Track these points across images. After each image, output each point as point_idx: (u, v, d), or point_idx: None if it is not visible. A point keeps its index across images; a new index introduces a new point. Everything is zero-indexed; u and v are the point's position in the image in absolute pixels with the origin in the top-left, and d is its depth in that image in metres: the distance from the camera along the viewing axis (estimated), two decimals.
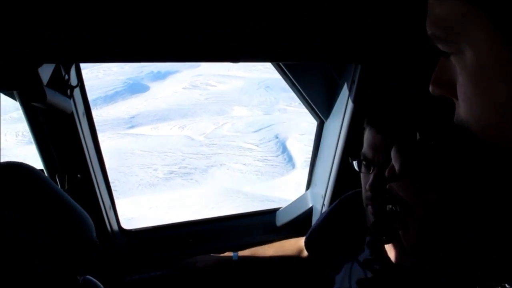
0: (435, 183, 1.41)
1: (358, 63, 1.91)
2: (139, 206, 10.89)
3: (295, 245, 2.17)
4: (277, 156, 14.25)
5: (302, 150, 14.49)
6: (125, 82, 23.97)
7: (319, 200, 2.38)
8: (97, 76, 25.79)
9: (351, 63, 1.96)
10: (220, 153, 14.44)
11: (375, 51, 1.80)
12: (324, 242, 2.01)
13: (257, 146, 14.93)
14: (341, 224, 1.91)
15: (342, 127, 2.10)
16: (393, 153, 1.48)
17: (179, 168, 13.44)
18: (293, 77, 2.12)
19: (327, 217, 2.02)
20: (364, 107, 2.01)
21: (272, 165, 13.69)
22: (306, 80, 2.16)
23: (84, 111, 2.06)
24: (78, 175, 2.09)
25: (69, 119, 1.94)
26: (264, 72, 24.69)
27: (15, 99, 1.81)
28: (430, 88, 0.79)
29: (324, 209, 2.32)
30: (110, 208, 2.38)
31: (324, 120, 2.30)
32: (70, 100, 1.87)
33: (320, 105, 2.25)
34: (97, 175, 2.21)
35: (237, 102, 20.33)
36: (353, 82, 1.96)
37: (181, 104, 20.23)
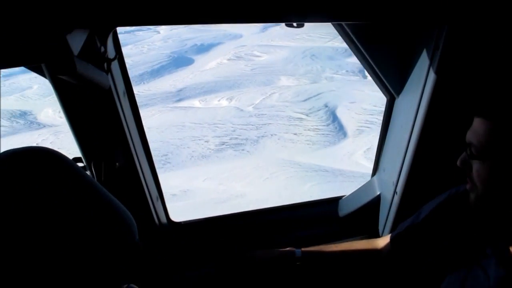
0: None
1: (444, 24, 1.56)
2: (193, 178, 11.03)
3: (368, 246, 1.91)
4: (327, 125, 14.04)
5: (353, 119, 14.21)
6: (170, 56, 24.14)
7: (389, 188, 2.09)
8: (142, 51, 26.03)
9: (435, 25, 1.61)
10: (270, 124, 14.37)
11: (466, 9, 1.49)
12: (423, 243, 1.71)
13: (307, 115, 14.75)
14: (449, 223, 1.61)
15: (420, 102, 1.76)
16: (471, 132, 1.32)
17: (230, 139, 13.48)
18: (359, 43, 1.79)
19: (430, 213, 1.69)
20: (449, 79, 1.67)
21: (323, 134, 13.51)
22: (375, 47, 1.81)
23: (124, 90, 1.80)
24: (117, 164, 1.86)
25: (108, 99, 1.70)
26: (308, 41, 24.27)
27: (45, 76, 1.61)
28: None
29: (395, 198, 2.03)
30: (157, 199, 2.16)
31: (396, 96, 1.98)
32: (108, 75, 1.63)
33: (391, 77, 1.91)
34: (141, 163, 1.97)
35: (283, 72, 20.11)
36: (436, 48, 1.62)
37: (227, 75, 20.22)
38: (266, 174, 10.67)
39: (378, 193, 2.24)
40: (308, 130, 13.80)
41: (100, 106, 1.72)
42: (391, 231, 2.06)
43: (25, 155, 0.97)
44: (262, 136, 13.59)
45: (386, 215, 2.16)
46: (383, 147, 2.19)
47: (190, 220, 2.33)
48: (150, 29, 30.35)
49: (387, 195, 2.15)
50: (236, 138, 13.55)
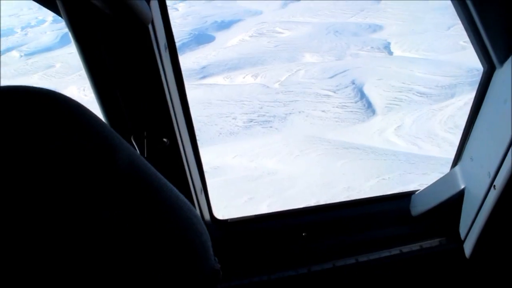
0: None
1: None
2: (222, 154, 11.01)
3: None
4: (355, 102, 13.85)
5: (381, 96, 13.97)
6: (191, 33, 23.97)
7: (481, 181, 1.73)
8: None
9: None
10: (297, 100, 14.24)
11: None
12: None
13: (334, 92, 14.57)
14: None
15: None
16: None
17: (258, 116, 13.40)
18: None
19: None
20: None
21: (351, 111, 13.34)
22: (485, 6, 1.46)
23: (166, 44, 1.43)
24: (165, 139, 1.47)
25: (146, 53, 1.30)
26: (330, 17, 23.82)
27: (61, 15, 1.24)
28: None
29: (493, 194, 1.67)
30: (201, 191, 1.82)
31: (498, 65, 1.63)
32: (148, 6, 1.23)
33: (496, 41, 1.56)
34: (184, 143, 1.58)
35: (307, 49, 19.82)
36: None
37: (250, 52, 20.02)
38: (296, 151, 10.58)
39: (462, 187, 1.88)
40: (336, 107, 13.63)
41: (135, 61, 1.31)
42: (481, 234, 1.78)
43: (7, 97, 0.54)
44: (290, 113, 13.47)
45: (475, 213, 1.82)
46: (471, 130, 1.80)
47: (236, 218, 2.02)
48: (169, 6, 30.11)
49: (476, 189, 1.79)
50: (264, 115, 13.46)
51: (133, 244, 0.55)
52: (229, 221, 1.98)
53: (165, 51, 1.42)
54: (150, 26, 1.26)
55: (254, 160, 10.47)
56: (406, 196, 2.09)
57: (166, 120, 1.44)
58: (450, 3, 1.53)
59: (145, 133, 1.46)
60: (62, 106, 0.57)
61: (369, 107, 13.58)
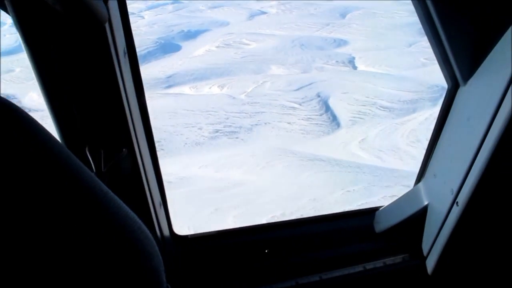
0: None
1: None
2: (188, 165, 10.93)
3: None
4: (320, 115, 14.05)
5: (345, 109, 14.23)
6: (156, 41, 23.77)
7: (444, 197, 1.73)
8: None
9: None
10: (263, 112, 14.33)
11: None
12: None
13: (300, 104, 14.73)
14: None
15: (507, 90, 1.39)
16: None
17: (224, 127, 13.40)
18: (436, 13, 1.43)
19: None
20: None
21: (316, 124, 13.53)
22: (453, 19, 1.45)
23: (125, 49, 1.32)
24: (124, 149, 1.38)
25: (103, 59, 1.20)
26: (296, 30, 24.15)
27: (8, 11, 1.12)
28: None
29: (455, 210, 1.68)
30: (160, 205, 1.74)
31: (462, 83, 1.62)
32: (105, 6, 1.13)
33: (462, 59, 1.56)
34: (143, 156, 1.48)
35: (273, 61, 20.00)
36: None
37: (216, 63, 20.02)
38: (262, 163, 10.62)
39: (426, 203, 1.88)
40: (302, 119, 13.79)
41: (89, 66, 1.20)
42: (443, 250, 1.79)
43: None
44: (256, 124, 13.55)
45: (438, 230, 1.82)
46: (435, 147, 1.79)
47: (197, 234, 1.94)
48: (134, 14, 29.80)
49: (439, 206, 1.80)
50: (230, 125, 13.48)
51: (73, 266, 0.49)
52: (189, 237, 1.92)
53: (124, 57, 1.31)
54: (107, 28, 1.15)
55: (220, 171, 10.44)
56: (369, 213, 2.09)
57: (123, 130, 1.35)
58: (412, 21, 1.58)
59: (100, 144, 1.35)
60: (9, 111, 0.54)
61: (334, 120, 13.80)
